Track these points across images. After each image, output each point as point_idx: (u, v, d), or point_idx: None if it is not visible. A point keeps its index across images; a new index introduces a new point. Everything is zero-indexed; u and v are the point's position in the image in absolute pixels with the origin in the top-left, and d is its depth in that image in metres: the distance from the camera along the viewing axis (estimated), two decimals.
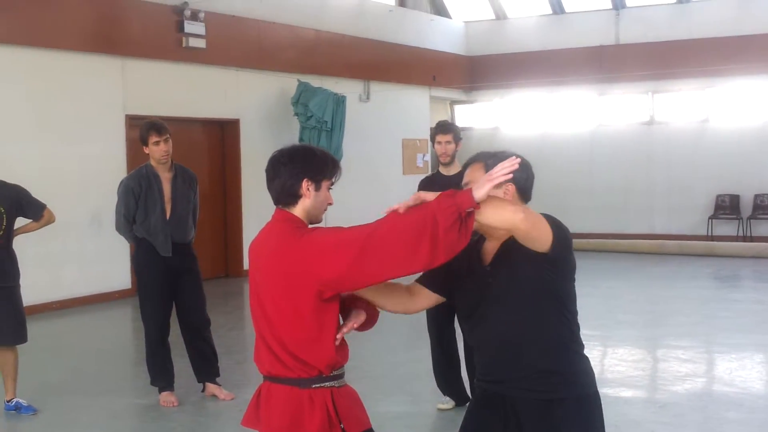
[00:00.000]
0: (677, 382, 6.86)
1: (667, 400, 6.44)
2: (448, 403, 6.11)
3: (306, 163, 3.07)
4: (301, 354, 2.96)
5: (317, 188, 3.08)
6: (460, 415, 5.98)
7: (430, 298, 3.20)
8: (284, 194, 3.09)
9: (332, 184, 3.15)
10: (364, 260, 2.81)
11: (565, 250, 3.04)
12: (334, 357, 2.98)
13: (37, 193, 6.42)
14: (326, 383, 3.00)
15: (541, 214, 2.99)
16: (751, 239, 15.81)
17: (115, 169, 10.45)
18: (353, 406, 3.07)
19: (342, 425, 2.99)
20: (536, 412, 3.05)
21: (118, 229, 6.44)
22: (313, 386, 2.98)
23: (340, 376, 3.06)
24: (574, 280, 3.12)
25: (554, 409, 3.05)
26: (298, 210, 3.09)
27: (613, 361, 7.69)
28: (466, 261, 3.08)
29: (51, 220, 6.40)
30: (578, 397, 3.09)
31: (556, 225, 3.00)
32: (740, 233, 16.14)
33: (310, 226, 3.10)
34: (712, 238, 16.12)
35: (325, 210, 3.16)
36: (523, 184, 3.11)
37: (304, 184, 3.06)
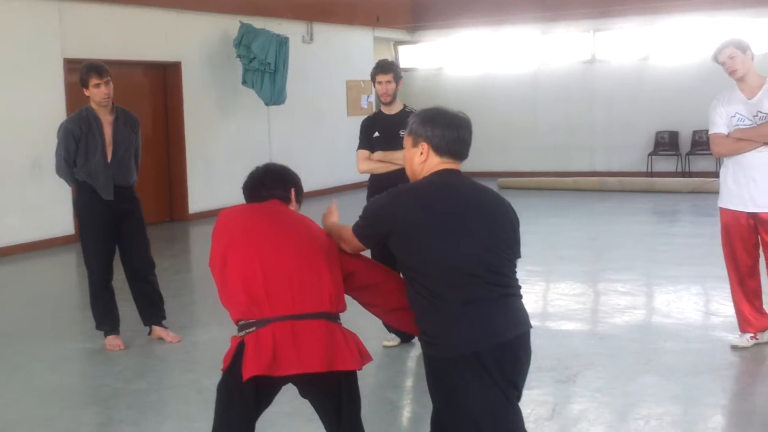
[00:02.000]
0: (616, 314, 7.04)
1: (606, 332, 6.60)
2: (393, 340, 6.21)
3: (297, 180, 3.68)
4: (332, 290, 3.19)
5: (297, 201, 3.64)
6: (405, 351, 6.11)
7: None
8: (277, 195, 3.59)
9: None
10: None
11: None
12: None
13: None
14: (339, 321, 3.23)
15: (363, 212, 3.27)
16: (690, 175, 16.11)
17: (55, 113, 10.23)
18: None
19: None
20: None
21: (59, 172, 6.36)
22: (336, 321, 3.20)
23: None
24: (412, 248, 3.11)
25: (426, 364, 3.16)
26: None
27: (555, 295, 7.85)
28: None
29: None
30: (430, 357, 3.12)
31: (358, 226, 3.27)
32: (679, 169, 16.44)
33: None
34: (652, 174, 16.40)
35: None
36: (437, 142, 3.17)
37: (293, 192, 3.60)
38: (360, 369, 3.16)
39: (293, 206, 3.56)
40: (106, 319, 6.42)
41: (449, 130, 3.18)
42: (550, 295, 7.93)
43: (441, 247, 3.03)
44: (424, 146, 3.18)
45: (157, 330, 6.53)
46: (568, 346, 6.17)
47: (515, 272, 3.23)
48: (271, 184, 3.54)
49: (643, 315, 7.17)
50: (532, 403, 4.99)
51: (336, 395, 3.24)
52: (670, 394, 5.13)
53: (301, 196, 3.61)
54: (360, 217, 3.27)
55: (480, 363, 3.02)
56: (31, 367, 6.01)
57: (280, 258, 3.18)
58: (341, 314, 3.26)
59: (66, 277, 9.58)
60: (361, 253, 3.41)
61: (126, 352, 6.26)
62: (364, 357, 3.17)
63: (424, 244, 3.05)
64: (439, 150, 3.18)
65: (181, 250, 11.29)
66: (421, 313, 3.11)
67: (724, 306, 7.03)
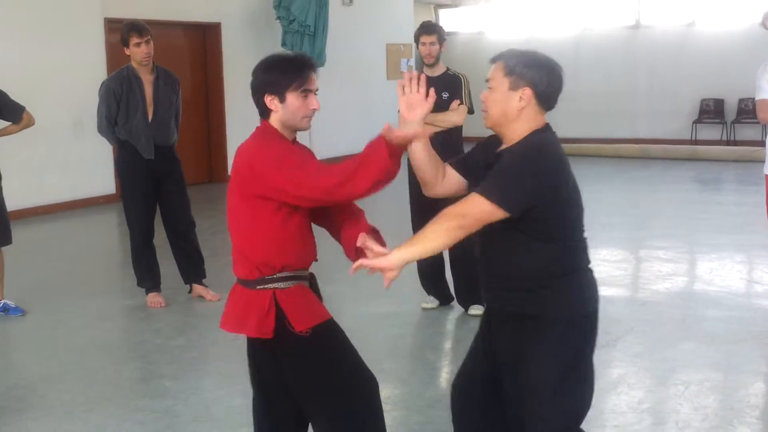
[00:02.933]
0: (658, 281, 6.97)
1: (647, 298, 6.54)
2: (432, 302, 6.20)
3: (264, 78, 3.07)
4: (244, 251, 3.04)
5: (281, 100, 3.04)
6: (443, 314, 6.11)
7: (452, 186, 3.04)
8: (258, 108, 3.12)
9: (303, 90, 3.03)
10: (299, 176, 2.89)
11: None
12: (267, 257, 3.01)
13: (18, 98, 6.33)
14: (269, 285, 3.02)
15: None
16: (735, 143, 15.86)
17: (96, 73, 10.29)
18: (303, 303, 3.07)
19: (289, 322, 2.99)
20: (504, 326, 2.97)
21: (100, 130, 6.39)
22: (257, 287, 3.03)
23: (288, 278, 3.06)
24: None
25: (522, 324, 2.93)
26: (274, 122, 3.09)
27: (596, 261, 7.69)
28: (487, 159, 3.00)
29: (31, 122, 6.33)
30: (546, 317, 2.90)
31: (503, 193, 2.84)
32: (724, 137, 16.18)
33: (296, 134, 3.16)
34: (696, 142, 16.16)
35: (308, 117, 3.10)
36: (543, 89, 2.88)
37: (267, 98, 3.05)
38: (254, 335, 3.04)
39: (277, 114, 3.07)
40: (147, 276, 6.47)
41: (555, 78, 2.92)
42: (591, 260, 7.84)
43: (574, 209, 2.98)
44: (526, 91, 2.85)
45: (198, 288, 6.57)
46: (609, 311, 6.10)
47: None
48: (251, 90, 3.15)
49: (684, 282, 7.09)
50: None
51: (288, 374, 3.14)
52: (711, 361, 5.07)
53: (287, 89, 3.03)
54: (501, 181, 2.80)
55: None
56: (73, 323, 6.08)
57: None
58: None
59: (108, 236, 9.68)
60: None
61: (167, 310, 6.32)
62: (262, 324, 3.01)
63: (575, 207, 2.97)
64: (543, 99, 2.89)
65: (220, 211, 11.26)
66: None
67: (767, 275, 6.94)
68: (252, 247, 3.03)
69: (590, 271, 3.03)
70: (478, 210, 2.74)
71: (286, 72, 3.03)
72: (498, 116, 2.90)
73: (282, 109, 3.04)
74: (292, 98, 3.02)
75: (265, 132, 3.09)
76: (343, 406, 3.04)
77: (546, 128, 2.93)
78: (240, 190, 3.03)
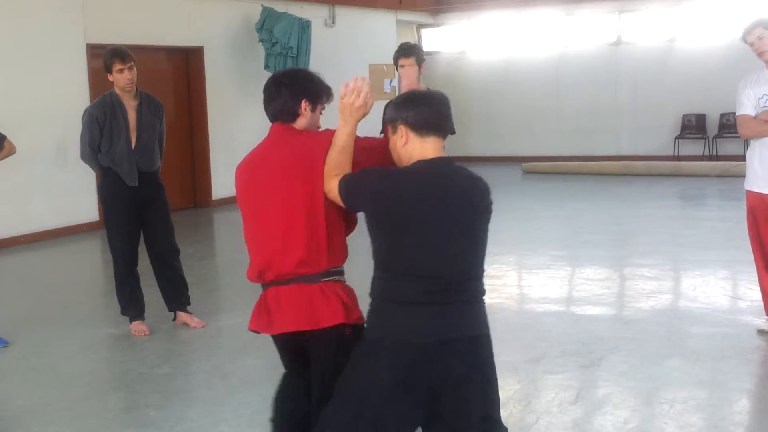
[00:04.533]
0: (642, 299, 6.99)
1: (632, 316, 6.56)
2: None
3: (306, 86, 3.39)
4: (321, 244, 3.19)
5: (313, 109, 3.38)
6: None
7: None
8: (284, 112, 3.36)
9: (323, 108, 3.43)
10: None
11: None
12: (339, 249, 3.26)
13: (0, 125, 6.32)
14: (332, 277, 3.24)
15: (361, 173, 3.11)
16: (717, 158, 15.96)
17: (79, 99, 10.28)
18: (356, 298, 3.30)
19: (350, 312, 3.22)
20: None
21: (83, 157, 6.37)
22: (322, 280, 3.22)
23: (342, 273, 3.29)
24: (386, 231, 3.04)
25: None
26: (298, 126, 3.38)
27: (580, 280, 7.81)
28: None
29: (12, 151, 6.31)
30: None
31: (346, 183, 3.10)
32: (706, 152, 16.28)
33: None
34: (679, 158, 16.25)
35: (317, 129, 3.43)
36: (412, 120, 3.04)
37: (303, 104, 3.34)
38: (343, 321, 3.18)
39: (304, 120, 3.35)
40: (131, 304, 6.44)
41: (422, 106, 3.07)
42: (575, 279, 7.88)
43: (410, 236, 2.99)
44: (402, 129, 3.05)
45: (182, 315, 6.55)
46: (593, 330, 6.14)
47: (481, 277, 3.10)
48: (277, 93, 3.38)
49: (668, 299, 7.11)
50: (556, 387, 4.97)
51: (331, 354, 3.27)
52: (696, 379, 5.09)
53: (318, 102, 3.40)
54: (354, 177, 3.10)
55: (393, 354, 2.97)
56: (57, 352, 6.05)
57: (266, 225, 3.28)
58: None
59: (91, 264, 9.64)
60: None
61: (151, 338, 6.29)
62: (348, 310, 3.20)
63: (413, 234, 2.98)
64: (417, 127, 3.04)
65: (204, 237, 11.33)
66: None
67: (750, 290, 6.96)
68: (331, 238, 3.21)
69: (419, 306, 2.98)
70: (331, 185, 3.11)
71: (323, 88, 3.44)
72: (398, 160, 3.12)
73: (309, 117, 3.38)
74: (318, 111, 3.43)
75: (296, 129, 3.37)
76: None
77: (431, 162, 3.03)
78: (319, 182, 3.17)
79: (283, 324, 3.25)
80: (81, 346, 6.20)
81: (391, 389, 2.93)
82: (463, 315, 3.00)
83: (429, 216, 2.97)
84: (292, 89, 3.36)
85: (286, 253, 3.21)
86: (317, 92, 3.39)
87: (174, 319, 6.58)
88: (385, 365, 2.95)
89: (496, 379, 3.07)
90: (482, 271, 3.09)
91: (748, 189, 5.82)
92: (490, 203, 3.12)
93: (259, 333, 3.39)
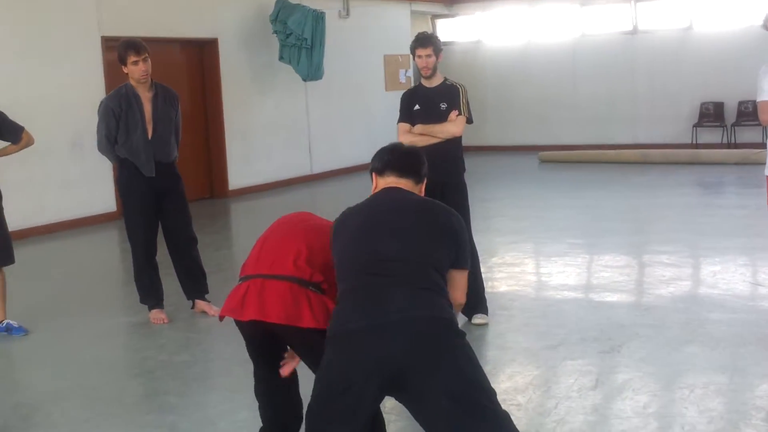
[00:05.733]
0: (661, 285, 6.95)
1: (651, 303, 6.53)
2: None
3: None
4: (325, 268, 3.48)
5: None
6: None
7: None
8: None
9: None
10: None
11: None
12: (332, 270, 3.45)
13: (17, 117, 6.34)
14: (319, 291, 3.50)
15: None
16: (735, 146, 15.85)
17: (94, 91, 10.31)
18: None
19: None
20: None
21: (100, 149, 6.39)
22: (310, 288, 3.48)
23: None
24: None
25: None
26: None
27: (598, 267, 7.77)
28: None
29: (30, 142, 6.35)
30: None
31: None
32: (724, 140, 16.18)
33: None
34: (697, 146, 16.15)
35: None
36: (374, 165, 3.55)
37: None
38: (318, 327, 3.37)
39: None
40: (150, 293, 6.47)
41: (383, 152, 3.55)
42: (593, 267, 7.85)
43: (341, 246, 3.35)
44: (372, 176, 3.55)
45: (200, 304, 6.57)
46: (612, 317, 6.11)
47: (433, 267, 3.24)
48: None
49: (688, 286, 7.07)
50: (575, 373, 4.96)
51: (306, 351, 3.57)
52: (716, 364, 5.06)
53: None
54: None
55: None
56: (76, 341, 6.08)
57: (280, 237, 3.67)
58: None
59: (109, 253, 9.68)
60: None
61: (170, 326, 6.31)
62: (330, 319, 3.32)
63: (341, 240, 3.36)
64: (379, 171, 3.52)
65: (222, 227, 11.34)
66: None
67: None
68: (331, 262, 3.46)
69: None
70: None
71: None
72: None
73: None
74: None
75: None
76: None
77: (376, 193, 3.51)
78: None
79: (262, 312, 3.44)
80: (100, 334, 6.22)
81: (338, 379, 3.09)
82: (394, 296, 3.12)
83: (360, 220, 3.36)
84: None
85: (288, 251, 3.54)
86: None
87: (192, 308, 6.61)
88: (329, 357, 3.15)
89: (470, 362, 3.12)
90: (422, 257, 3.23)
91: None
92: (447, 223, 3.35)
93: (222, 319, 3.71)
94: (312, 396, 3.21)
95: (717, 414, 4.31)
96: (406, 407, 3.22)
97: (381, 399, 3.20)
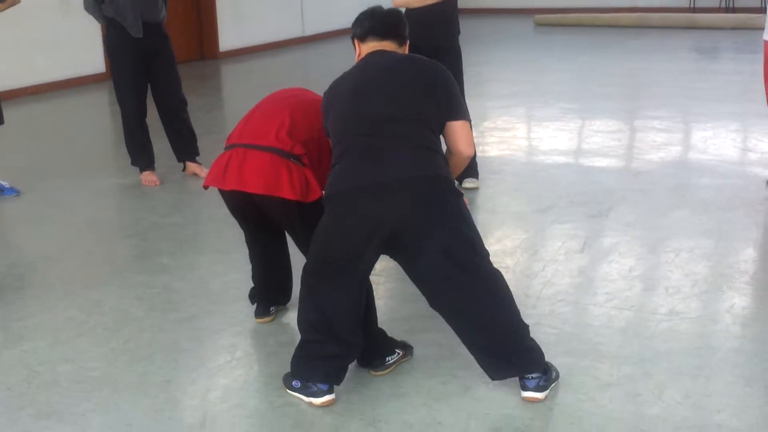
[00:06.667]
0: (652, 151, 6.97)
1: (641, 168, 6.55)
2: None
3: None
4: (308, 143, 3.48)
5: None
6: None
7: None
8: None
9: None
10: None
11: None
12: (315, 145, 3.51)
13: None
14: (300, 163, 3.46)
15: None
16: (734, 10, 15.60)
17: None
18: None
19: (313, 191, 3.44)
20: None
21: (87, 8, 6.25)
22: (291, 159, 3.43)
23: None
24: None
25: None
26: None
27: (589, 132, 7.76)
28: None
29: (15, 1, 6.20)
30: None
31: None
32: (723, 4, 15.90)
33: None
34: (695, 10, 15.89)
35: None
36: (356, 32, 3.48)
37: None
38: (296, 198, 3.39)
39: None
40: (141, 155, 6.46)
41: (363, 18, 3.47)
42: (584, 132, 7.84)
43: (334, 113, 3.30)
44: (355, 42, 3.48)
45: (191, 166, 6.57)
46: (602, 182, 6.15)
47: (426, 126, 3.21)
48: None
49: (679, 151, 7.09)
50: (563, 236, 5.02)
51: (287, 223, 3.63)
52: (703, 228, 5.12)
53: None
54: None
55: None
56: (68, 202, 6.10)
57: (275, 100, 3.67)
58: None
59: (99, 115, 9.61)
60: None
61: (161, 188, 6.33)
62: (309, 192, 3.41)
63: (334, 108, 3.31)
64: (360, 37, 3.45)
65: (212, 89, 11.23)
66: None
67: (761, 142, 6.94)
68: (315, 138, 3.49)
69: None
70: None
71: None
72: None
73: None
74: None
75: None
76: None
77: (362, 59, 3.45)
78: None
79: (241, 182, 3.46)
80: (92, 195, 6.24)
81: (336, 236, 3.14)
82: (389, 156, 3.12)
83: (350, 84, 3.29)
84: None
85: (271, 123, 3.50)
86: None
87: (183, 170, 6.61)
88: (326, 218, 3.19)
89: (464, 221, 3.15)
90: (413, 116, 3.19)
91: (767, 39, 5.70)
92: (433, 75, 3.29)
93: (207, 188, 3.71)
94: (309, 254, 3.26)
95: (701, 277, 4.39)
96: (400, 264, 3.27)
97: (378, 256, 3.25)
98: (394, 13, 3.54)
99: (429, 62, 3.35)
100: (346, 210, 3.12)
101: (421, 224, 3.07)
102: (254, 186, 3.43)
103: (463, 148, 3.30)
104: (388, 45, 3.43)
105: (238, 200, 3.63)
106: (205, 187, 3.69)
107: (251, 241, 3.97)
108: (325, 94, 3.43)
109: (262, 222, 3.77)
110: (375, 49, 3.42)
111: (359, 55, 3.47)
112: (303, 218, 3.49)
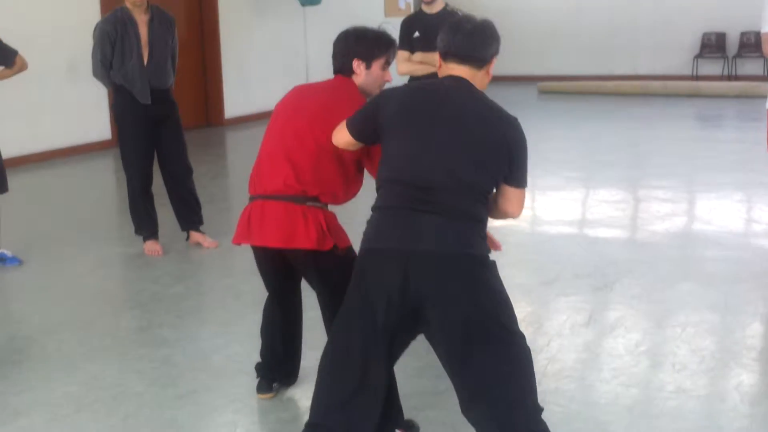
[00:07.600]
0: (656, 221, 6.95)
1: (646, 239, 6.53)
2: None
3: (356, 45, 3.51)
4: (318, 182, 3.41)
5: (368, 67, 3.49)
6: None
7: None
8: (342, 70, 3.54)
9: (387, 63, 3.53)
10: None
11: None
12: (342, 196, 3.50)
13: (11, 41, 6.23)
14: (317, 204, 3.44)
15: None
16: (737, 78, 15.72)
17: (90, 14, 10.16)
18: (339, 225, 3.54)
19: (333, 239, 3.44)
20: None
21: (95, 74, 6.30)
22: (307, 204, 3.42)
23: (326, 205, 3.52)
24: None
25: None
26: (356, 81, 3.53)
27: (594, 202, 7.76)
28: None
29: (24, 67, 6.25)
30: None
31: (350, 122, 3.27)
32: (725, 72, 16.04)
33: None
34: (698, 78, 16.02)
35: (382, 86, 3.54)
36: (441, 47, 3.14)
37: (355, 63, 3.49)
38: (312, 247, 3.37)
39: (360, 78, 3.51)
40: (145, 224, 6.45)
41: (451, 33, 3.11)
42: (589, 201, 7.83)
43: (393, 143, 3.06)
44: (437, 56, 3.17)
45: (195, 235, 6.56)
46: (606, 253, 6.12)
47: (476, 198, 3.00)
48: (337, 50, 3.57)
49: (683, 222, 7.07)
50: (568, 309, 4.97)
51: (310, 274, 3.60)
52: (709, 302, 5.07)
53: (372, 60, 3.49)
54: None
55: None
56: (70, 271, 6.08)
57: (275, 142, 3.53)
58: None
59: (104, 182, 9.64)
60: None
61: (164, 257, 6.30)
62: (324, 239, 3.39)
63: (390, 136, 3.08)
64: (445, 56, 3.13)
65: (217, 156, 11.29)
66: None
67: (766, 213, 6.91)
68: (322, 174, 3.40)
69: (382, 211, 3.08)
70: (340, 132, 3.30)
71: (378, 44, 3.52)
72: None
73: (365, 76, 3.50)
74: (376, 68, 3.51)
75: (352, 88, 3.51)
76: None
77: (441, 78, 3.17)
78: (331, 129, 3.34)
79: (262, 237, 3.47)
80: (95, 265, 6.22)
81: (364, 298, 2.97)
82: (428, 227, 2.93)
83: (411, 123, 3.03)
84: (343, 47, 3.53)
85: (277, 171, 3.44)
86: (368, 52, 3.49)
87: (187, 239, 6.59)
88: (358, 274, 3.05)
89: (490, 295, 2.98)
90: (467, 187, 2.97)
91: None
92: (503, 138, 3.06)
93: (240, 245, 3.66)
94: (340, 308, 3.11)
95: (708, 353, 4.34)
96: (428, 340, 3.07)
97: (409, 335, 3.09)
98: (482, 29, 3.16)
99: (503, 121, 3.11)
100: (373, 270, 2.98)
101: (446, 301, 2.92)
102: (274, 240, 3.45)
103: (512, 211, 3.21)
104: (465, 71, 3.10)
105: (268, 251, 3.61)
106: (237, 243, 3.66)
107: (271, 298, 3.88)
108: (381, 96, 3.22)
109: (289, 272, 3.73)
110: (453, 73, 3.11)
111: (439, 68, 3.18)
112: (317, 268, 3.49)
